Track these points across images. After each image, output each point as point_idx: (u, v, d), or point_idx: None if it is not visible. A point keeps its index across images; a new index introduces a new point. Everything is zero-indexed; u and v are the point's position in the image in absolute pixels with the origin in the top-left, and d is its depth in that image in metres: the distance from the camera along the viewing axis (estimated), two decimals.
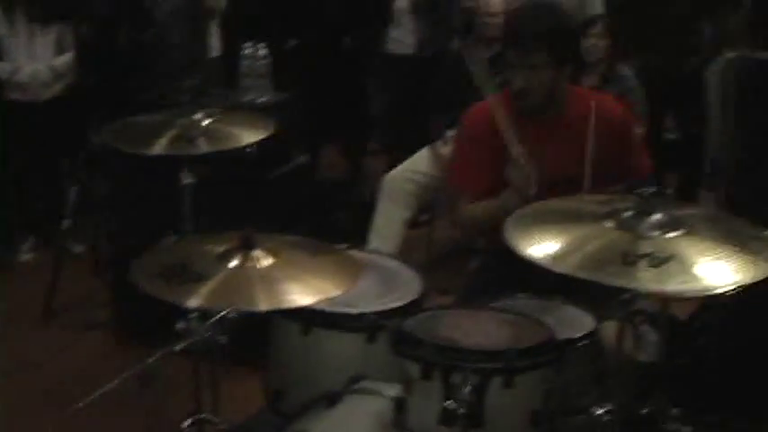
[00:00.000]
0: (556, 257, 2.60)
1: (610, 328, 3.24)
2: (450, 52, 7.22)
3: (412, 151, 6.33)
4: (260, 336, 3.45)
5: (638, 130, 5.68)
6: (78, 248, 6.31)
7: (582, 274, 2.52)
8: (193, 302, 2.84)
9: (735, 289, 2.62)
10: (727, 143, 4.07)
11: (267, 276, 2.92)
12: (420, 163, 6.16)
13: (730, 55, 4.08)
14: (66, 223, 5.92)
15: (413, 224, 6.41)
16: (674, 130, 7.54)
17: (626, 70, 6.33)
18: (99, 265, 6.02)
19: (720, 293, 3.03)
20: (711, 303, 3.49)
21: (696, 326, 4.20)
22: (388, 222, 6.03)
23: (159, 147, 3.77)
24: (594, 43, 6.18)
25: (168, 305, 2.89)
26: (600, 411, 3.12)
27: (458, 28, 7.85)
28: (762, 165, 3.99)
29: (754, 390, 4.01)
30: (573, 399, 3.12)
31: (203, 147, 3.77)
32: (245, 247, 2.98)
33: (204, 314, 3.24)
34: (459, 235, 5.85)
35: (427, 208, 6.53)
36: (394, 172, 6.19)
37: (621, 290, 2.76)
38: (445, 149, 5.71)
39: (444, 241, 6.68)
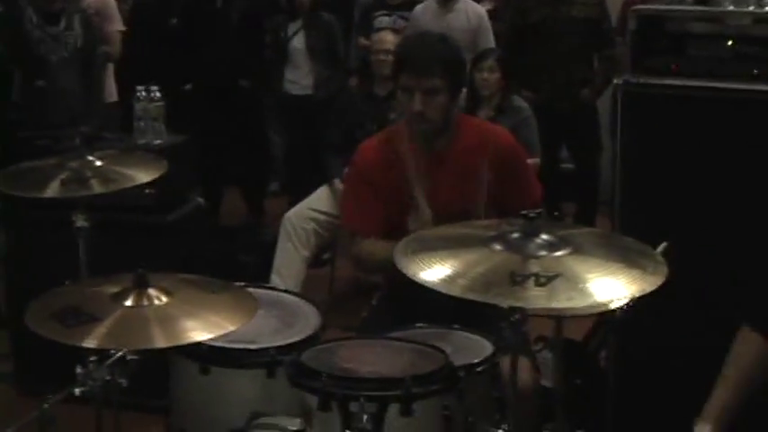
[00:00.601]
0: (446, 281, 2.62)
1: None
2: (345, 90, 7.28)
3: (312, 191, 6.36)
4: (160, 378, 3.43)
5: (533, 161, 5.79)
6: None
7: (471, 296, 2.54)
8: (89, 343, 2.80)
9: (624, 304, 2.68)
10: (617, 168, 4.14)
11: (163, 314, 2.90)
12: (319, 202, 6.19)
13: (617, 81, 4.15)
14: None
15: (315, 263, 6.44)
16: (570, 160, 7.67)
17: (520, 102, 6.43)
18: None
19: (611, 311, 3.10)
20: (604, 321, 3.55)
21: (593, 346, 4.26)
22: (289, 262, 6.03)
23: (51, 190, 3.73)
24: (487, 77, 6.27)
25: (70, 354, 2.87)
26: None
27: (354, 68, 7.95)
28: (646, 188, 4.07)
29: (654, 408, 4.07)
30: (474, 424, 3.14)
31: (96, 188, 3.74)
32: (139, 287, 2.97)
33: (103, 359, 3.21)
34: (358, 273, 5.88)
35: (329, 246, 6.54)
36: (293, 211, 6.21)
37: (514, 312, 2.79)
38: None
39: (347, 279, 6.70)
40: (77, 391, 3.18)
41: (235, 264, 6.27)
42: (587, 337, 4.30)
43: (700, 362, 2.89)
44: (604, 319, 3.45)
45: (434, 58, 3.78)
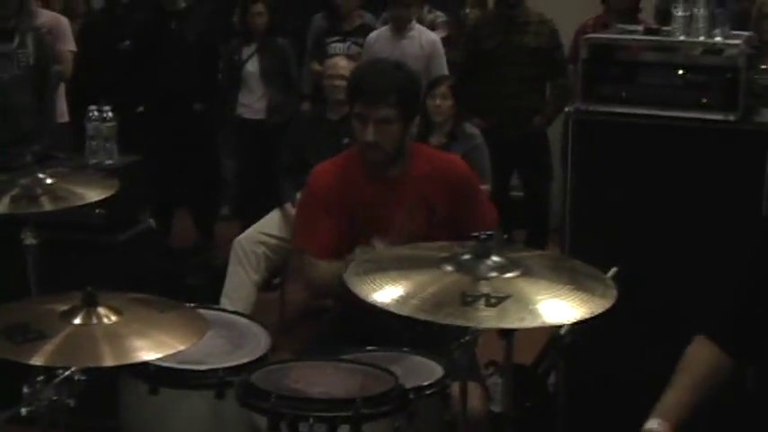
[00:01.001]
0: (398, 301, 2.63)
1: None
2: (298, 115, 7.28)
3: (263, 215, 6.34)
4: (109, 399, 3.40)
5: (484, 188, 5.81)
6: None
7: (423, 316, 2.55)
8: (36, 361, 2.77)
9: (572, 325, 2.69)
10: (567, 195, 4.18)
11: (112, 333, 2.87)
12: (270, 225, 6.17)
13: (568, 108, 4.19)
14: None
15: (266, 287, 6.42)
16: (521, 187, 7.70)
17: (472, 129, 6.45)
18: None
19: (561, 335, 3.13)
20: (553, 346, 3.56)
21: (542, 370, 4.27)
22: (239, 286, 6.00)
23: (1, 206, 3.71)
24: (439, 103, 6.29)
25: (17, 373, 2.83)
26: None
27: (307, 92, 7.95)
28: (596, 214, 4.11)
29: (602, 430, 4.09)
30: None
31: (46, 205, 3.72)
32: (89, 305, 2.94)
33: (51, 378, 3.17)
34: (309, 297, 5.87)
35: (279, 271, 6.53)
36: (244, 235, 6.18)
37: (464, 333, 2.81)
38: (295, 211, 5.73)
39: (297, 303, 6.69)
40: (24, 410, 3.12)
41: (184, 286, 6.24)
42: (536, 361, 4.31)
43: (647, 385, 2.90)
44: (553, 343, 3.46)
45: (389, 87, 3.78)
